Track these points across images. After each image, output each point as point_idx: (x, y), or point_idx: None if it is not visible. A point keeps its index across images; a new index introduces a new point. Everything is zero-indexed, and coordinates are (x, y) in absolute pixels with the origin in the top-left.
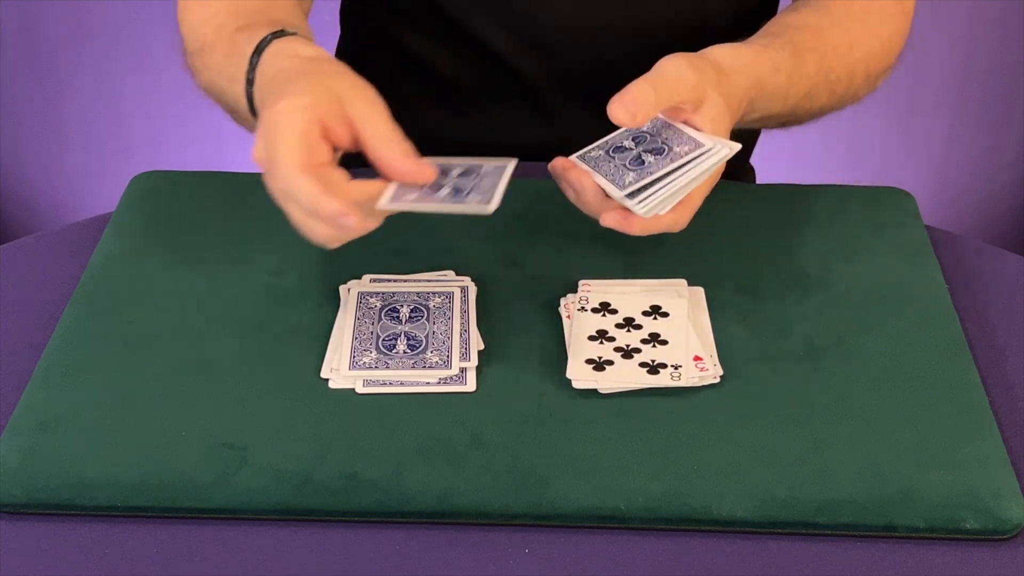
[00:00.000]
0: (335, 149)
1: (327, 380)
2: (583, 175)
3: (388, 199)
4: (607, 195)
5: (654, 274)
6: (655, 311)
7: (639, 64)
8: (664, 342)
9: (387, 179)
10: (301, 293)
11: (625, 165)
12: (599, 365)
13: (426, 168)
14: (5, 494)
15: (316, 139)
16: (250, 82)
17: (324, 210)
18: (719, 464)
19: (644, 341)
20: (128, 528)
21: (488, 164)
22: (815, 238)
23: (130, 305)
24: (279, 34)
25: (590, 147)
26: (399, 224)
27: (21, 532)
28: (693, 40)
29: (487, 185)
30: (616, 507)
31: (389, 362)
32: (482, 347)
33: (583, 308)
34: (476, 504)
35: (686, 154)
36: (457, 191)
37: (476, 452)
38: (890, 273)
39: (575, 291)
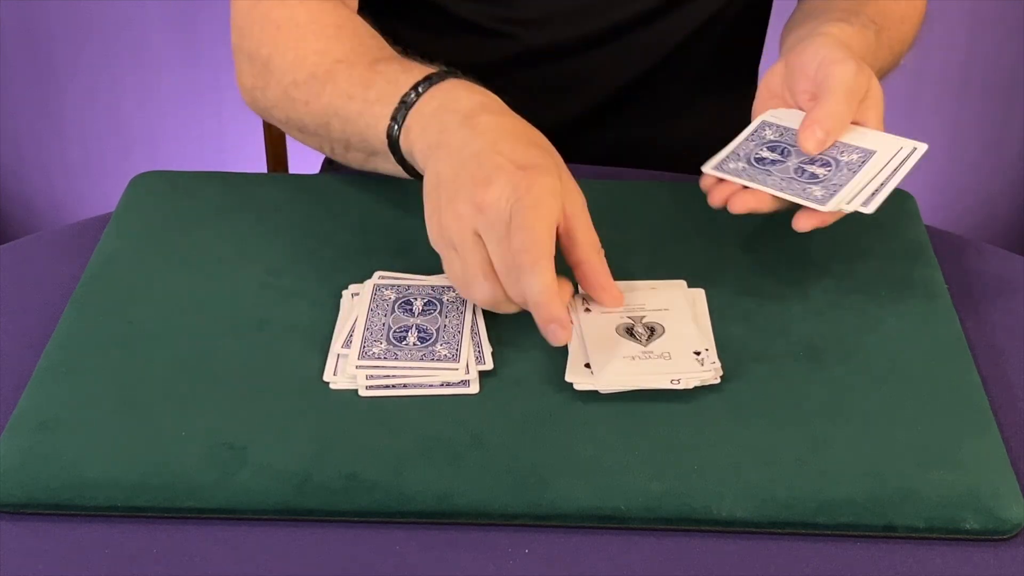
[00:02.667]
0: None
1: (325, 380)
2: (752, 194)
3: (354, 360)
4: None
5: (654, 274)
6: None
7: (652, 54)
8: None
9: (583, 284)
10: (301, 293)
11: (794, 178)
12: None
13: (619, 294)
14: (5, 494)
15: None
16: (407, 104)
17: (551, 312)
18: (719, 464)
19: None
20: (128, 528)
21: (447, 292)
22: (815, 238)
23: (130, 305)
24: (453, 72)
25: (720, 158)
26: (400, 224)
27: (21, 532)
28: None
29: (453, 328)
30: (616, 507)
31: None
32: (492, 349)
33: (588, 309)
34: (476, 504)
35: (860, 163)
36: (423, 338)
37: (476, 452)
38: (890, 273)
39: (579, 293)
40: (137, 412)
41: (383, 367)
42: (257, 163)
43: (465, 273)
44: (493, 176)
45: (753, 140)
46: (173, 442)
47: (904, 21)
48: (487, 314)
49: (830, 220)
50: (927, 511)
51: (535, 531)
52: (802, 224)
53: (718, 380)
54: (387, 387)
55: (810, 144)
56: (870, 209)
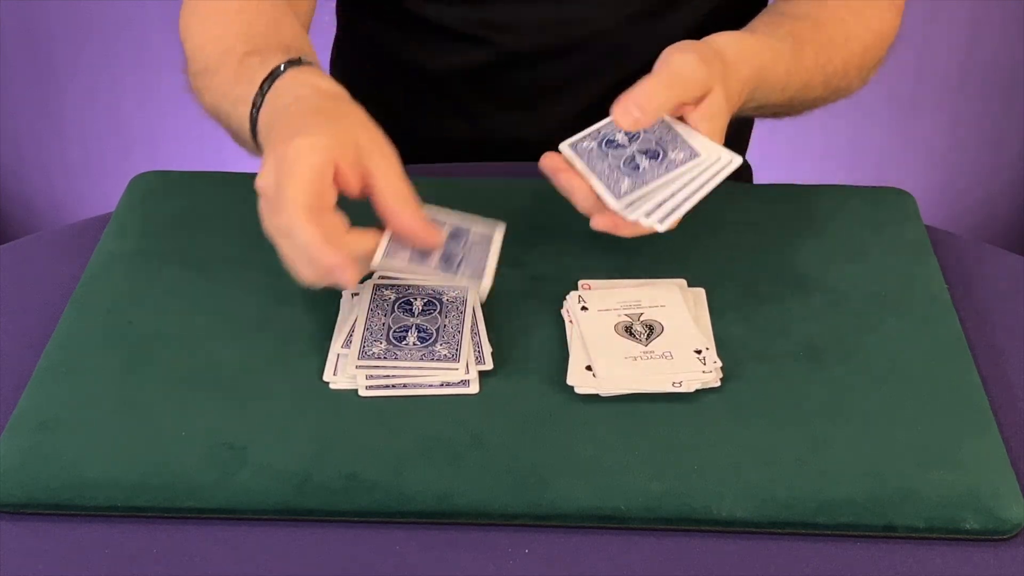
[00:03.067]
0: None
1: (325, 380)
2: (574, 178)
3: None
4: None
5: (654, 274)
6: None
7: (635, 59)
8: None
9: (394, 234)
10: (301, 293)
11: (619, 167)
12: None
13: (434, 232)
14: (5, 494)
15: (328, 182)
16: (256, 106)
17: (323, 261)
18: (719, 464)
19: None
20: (128, 528)
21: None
22: (815, 238)
23: (130, 305)
24: (294, 62)
25: (581, 135)
26: None
27: (21, 532)
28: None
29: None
30: (616, 507)
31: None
32: (491, 349)
33: (584, 308)
34: (476, 504)
35: (681, 162)
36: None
37: (476, 452)
38: (890, 273)
39: (576, 291)
40: (137, 412)
41: (383, 367)
42: (257, 163)
43: (286, 265)
44: (265, 162)
45: (612, 124)
46: (173, 442)
47: (851, 40)
48: (487, 314)
49: (625, 230)
50: (927, 511)
51: (535, 531)
52: (598, 223)
53: (718, 384)
54: (387, 387)
55: (624, 120)
56: (664, 227)
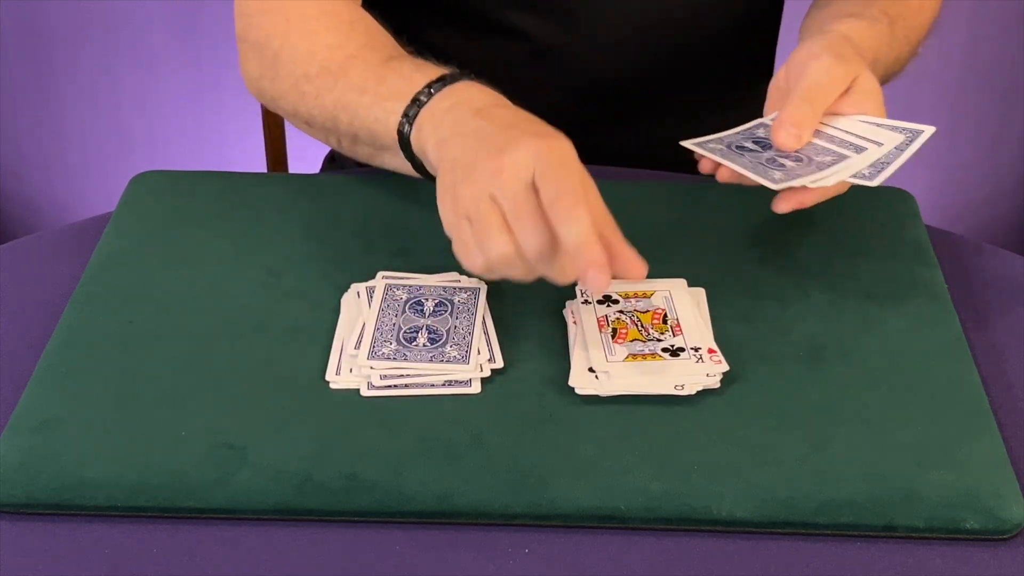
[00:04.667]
0: None
1: (327, 380)
2: (720, 166)
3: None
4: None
5: (654, 274)
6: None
7: (673, 62)
8: (668, 337)
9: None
10: (301, 293)
11: (761, 163)
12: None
13: (638, 261)
14: (5, 494)
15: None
16: (419, 102)
17: (588, 255)
18: (719, 464)
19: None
20: (128, 528)
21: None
22: (815, 238)
23: (130, 305)
24: (467, 74)
25: (705, 139)
26: (400, 224)
27: (21, 532)
28: (721, 25)
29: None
30: (616, 507)
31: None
32: (498, 348)
33: (587, 301)
34: (476, 504)
35: (831, 163)
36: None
37: (476, 452)
38: (890, 273)
39: (575, 292)
40: (137, 412)
41: (393, 367)
42: (257, 163)
43: (476, 234)
44: (510, 145)
45: (742, 134)
46: (173, 442)
47: (922, 11)
48: (492, 313)
49: (810, 201)
50: (927, 511)
51: (535, 531)
52: (781, 205)
53: (718, 384)
54: (390, 387)
55: (783, 140)
56: (875, 182)
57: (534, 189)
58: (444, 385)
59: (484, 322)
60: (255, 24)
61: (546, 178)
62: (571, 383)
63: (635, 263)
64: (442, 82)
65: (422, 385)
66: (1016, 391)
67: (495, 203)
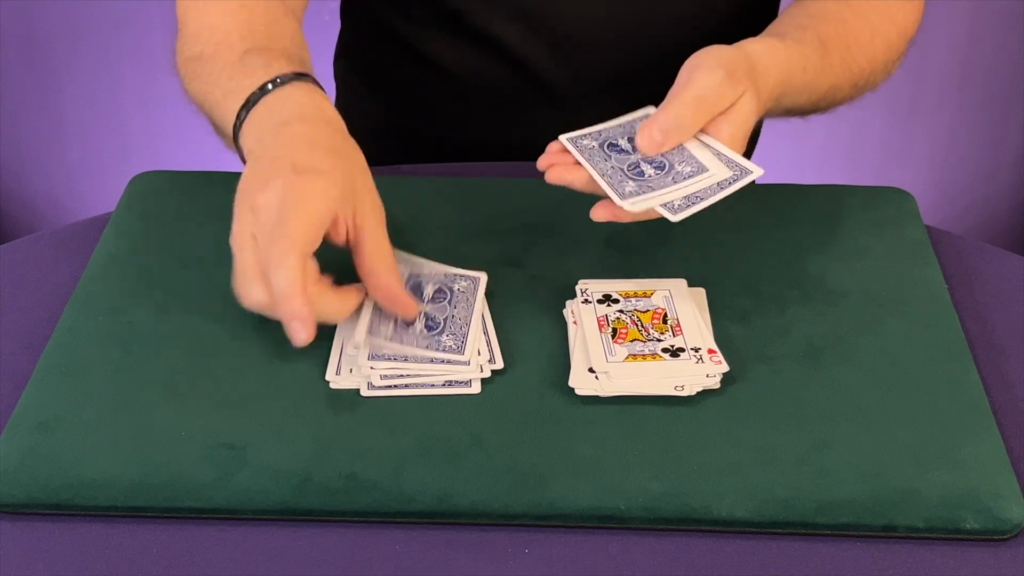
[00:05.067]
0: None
1: (327, 379)
2: (575, 168)
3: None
4: (601, 191)
5: (654, 274)
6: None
7: (652, 58)
8: (668, 338)
9: (375, 296)
10: None
11: (623, 170)
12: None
13: (412, 305)
14: (5, 494)
15: (324, 231)
16: (250, 105)
17: (292, 307)
18: (719, 464)
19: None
20: (128, 528)
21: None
22: (815, 238)
23: (130, 305)
24: (301, 76)
25: (582, 132)
26: (399, 224)
27: (21, 532)
28: (703, 34)
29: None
30: (616, 507)
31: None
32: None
33: (587, 301)
34: (476, 504)
35: (688, 175)
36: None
37: (476, 452)
38: (890, 273)
39: (575, 292)
40: (137, 412)
41: (389, 351)
42: None
43: (239, 275)
44: (271, 180)
45: (622, 127)
46: (173, 442)
47: (876, 38)
48: (492, 313)
49: (625, 217)
50: (927, 511)
51: (535, 531)
52: (598, 213)
53: (718, 385)
54: (390, 387)
55: (645, 143)
56: (676, 218)
57: None
58: (444, 385)
59: (484, 321)
60: (181, 7)
61: (274, 221)
62: (571, 383)
63: (401, 303)
64: (274, 83)
65: (422, 385)
66: (1016, 391)
67: (254, 243)
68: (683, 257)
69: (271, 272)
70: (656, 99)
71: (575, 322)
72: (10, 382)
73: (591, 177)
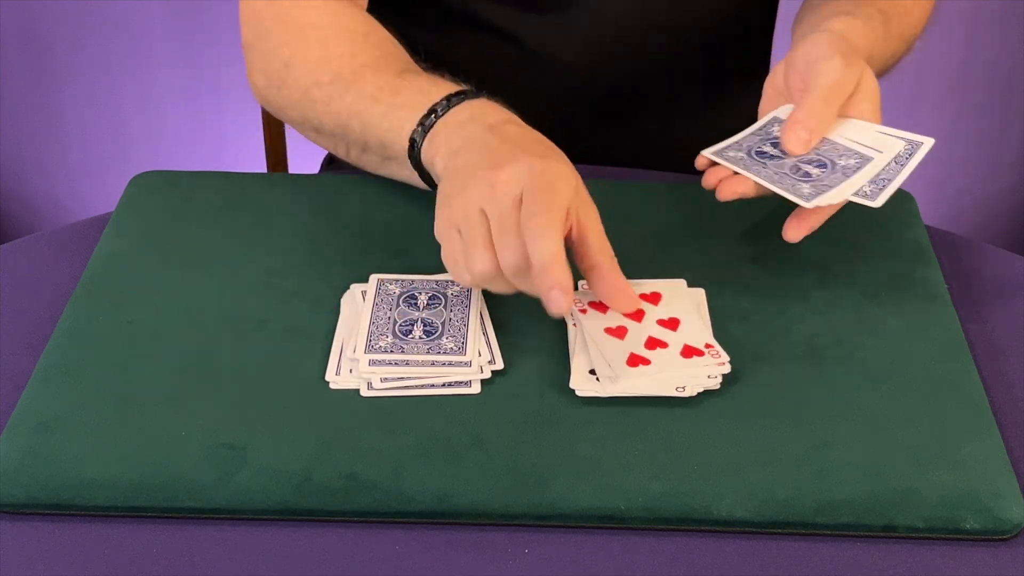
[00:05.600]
0: None
1: (327, 380)
2: (740, 180)
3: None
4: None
5: (654, 274)
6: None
7: (667, 61)
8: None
9: (592, 287)
10: (301, 293)
11: (786, 174)
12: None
13: (635, 299)
14: (5, 494)
15: (566, 211)
16: (436, 114)
17: (552, 276)
18: (719, 464)
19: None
20: (128, 528)
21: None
22: (815, 238)
23: (130, 305)
24: (482, 92)
25: (722, 145)
26: (399, 224)
27: (21, 532)
28: (712, 32)
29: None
30: (616, 507)
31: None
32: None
33: (584, 310)
34: (476, 504)
35: (856, 167)
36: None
37: (476, 452)
38: (890, 273)
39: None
40: (137, 412)
41: (391, 360)
42: (257, 163)
43: (465, 247)
44: (508, 161)
45: (759, 135)
46: (173, 442)
47: (915, 7)
48: (492, 314)
49: (818, 223)
50: (927, 511)
51: (535, 531)
52: (791, 234)
53: (718, 386)
54: (390, 388)
55: (793, 144)
56: (878, 203)
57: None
58: (444, 386)
59: (483, 322)
60: (263, 33)
61: (530, 196)
62: (572, 385)
63: (626, 297)
64: (461, 96)
65: (422, 386)
66: (1016, 391)
67: (484, 217)
68: (683, 257)
69: (531, 243)
70: (668, 98)
71: (575, 323)
72: (10, 382)
73: (756, 184)
